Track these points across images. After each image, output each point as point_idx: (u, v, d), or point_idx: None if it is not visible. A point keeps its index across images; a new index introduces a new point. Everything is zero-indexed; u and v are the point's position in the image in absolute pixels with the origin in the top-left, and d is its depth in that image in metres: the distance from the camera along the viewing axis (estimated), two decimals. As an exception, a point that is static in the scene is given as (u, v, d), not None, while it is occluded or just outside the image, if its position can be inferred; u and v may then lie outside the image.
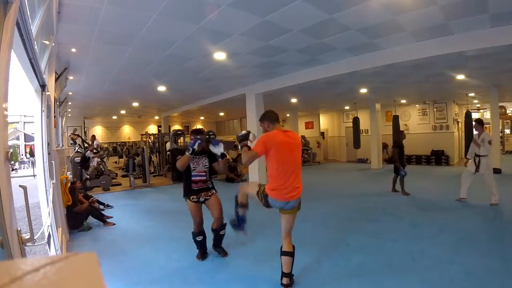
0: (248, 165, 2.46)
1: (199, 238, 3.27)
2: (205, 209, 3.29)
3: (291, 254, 2.56)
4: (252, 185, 2.77)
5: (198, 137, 3.06)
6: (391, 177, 6.67)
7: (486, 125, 15.23)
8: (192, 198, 3.16)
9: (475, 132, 5.51)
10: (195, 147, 2.99)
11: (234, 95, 8.30)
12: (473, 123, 5.66)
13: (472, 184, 5.58)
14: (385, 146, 12.82)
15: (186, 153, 3.01)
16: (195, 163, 3.17)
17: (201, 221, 3.26)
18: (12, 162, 15.30)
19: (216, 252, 3.37)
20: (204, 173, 3.21)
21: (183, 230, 4.41)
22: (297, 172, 2.49)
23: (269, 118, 2.62)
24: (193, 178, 3.15)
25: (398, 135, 6.46)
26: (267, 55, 4.97)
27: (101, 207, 5.75)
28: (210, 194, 3.23)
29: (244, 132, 2.60)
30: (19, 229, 1.26)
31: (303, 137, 14.25)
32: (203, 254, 3.32)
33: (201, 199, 3.19)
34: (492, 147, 9.13)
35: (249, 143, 2.53)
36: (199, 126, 19.46)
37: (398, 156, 6.18)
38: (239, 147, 2.59)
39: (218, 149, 3.03)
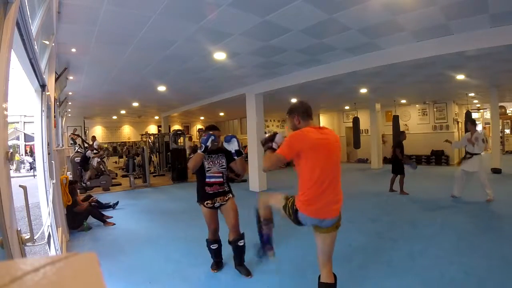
0: (273, 169, 2.07)
1: (214, 246, 2.94)
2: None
3: (332, 286, 1.97)
4: (276, 197, 2.16)
5: (211, 132, 2.70)
6: (391, 177, 6.67)
7: (486, 125, 15.34)
8: (207, 204, 2.80)
9: (468, 131, 5.69)
10: (208, 143, 2.61)
11: (234, 95, 8.30)
12: (468, 122, 5.84)
13: (472, 184, 5.58)
14: (384, 141, 12.82)
15: (198, 151, 2.63)
16: (211, 163, 2.80)
17: (217, 228, 2.92)
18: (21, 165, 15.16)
19: (237, 270, 2.89)
20: (221, 175, 2.82)
21: (183, 230, 4.42)
22: (337, 180, 1.96)
23: (301, 111, 1.99)
24: (207, 180, 2.78)
25: (400, 135, 6.68)
26: (267, 55, 4.97)
27: (110, 208, 5.75)
28: (226, 198, 2.85)
29: (268, 134, 2.13)
30: (19, 229, 1.26)
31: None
32: (218, 264, 3.00)
33: (217, 204, 2.82)
34: (492, 147, 9.24)
35: (274, 145, 2.00)
36: (199, 126, 19.45)
37: (402, 154, 6.33)
38: (263, 151, 2.10)
39: (232, 146, 2.63)
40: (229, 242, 2.87)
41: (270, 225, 2.23)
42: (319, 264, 2.01)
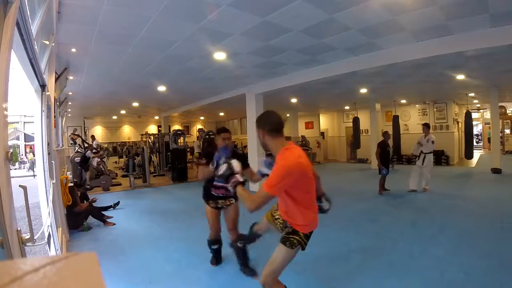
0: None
1: (215, 247, 3.01)
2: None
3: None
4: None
5: (227, 149, 2.55)
6: (390, 177, 6.67)
7: (486, 125, 15.42)
8: (210, 203, 2.85)
9: (422, 133, 6.61)
10: (221, 163, 2.41)
11: (234, 95, 8.30)
12: (422, 125, 6.74)
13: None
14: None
15: (210, 167, 2.56)
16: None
17: (219, 229, 2.94)
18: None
19: (243, 273, 2.82)
20: None
21: (183, 230, 4.42)
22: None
23: (270, 125, 1.76)
24: (215, 183, 2.74)
25: (383, 135, 6.65)
26: (267, 55, 4.97)
27: (110, 208, 5.75)
28: (229, 203, 2.86)
29: (224, 166, 1.85)
30: (19, 229, 1.26)
31: (303, 137, 14.26)
32: (217, 260, 3.09)
33: (219, 205, 2.86)
34: (492, 147, 9.24)
35: (239, 178, 1.81)
36: (199, 126, 19.46)
37: (379, 156, 6.38)
38: (231, 188, 1.86)
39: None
40: (231, 246, 2.91)
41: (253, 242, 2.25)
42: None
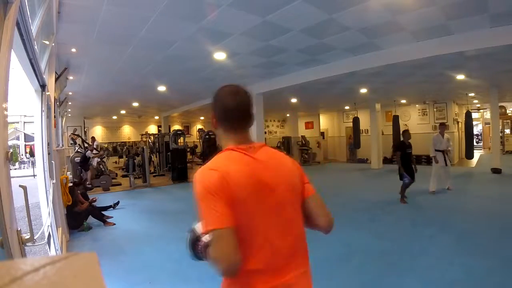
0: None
1: None
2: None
3: None
4: None
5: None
6: (391, 177, 6.65)
7: (486, 125, 15.47)
8: None
9: (439, 132, 6.44)
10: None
11: (234, 95, 8.29)
12: (439, 125, 6.74)
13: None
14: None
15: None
16: None
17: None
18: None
19: None
20: None
21: (183, 230, 4.40)
22: (299, 249, 1.02)
23: (220, 107, 1.10)
24: None
25: (402, 135, 5.76)
26: (267, 55, 4.97)
27: (110, 208, 5.74)
28: None
29: (188, 235, 1.09)
30: (19, 229, 1.26)
31: (303, 137, 14.24)
32: None
33: None
34: (492, 147, 9.27)
35: (205, 239, 0.99)
36: (199, 126, 19.46)
37: (400, 160, 5.47)
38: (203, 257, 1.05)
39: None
40: None
41: None
42: None
